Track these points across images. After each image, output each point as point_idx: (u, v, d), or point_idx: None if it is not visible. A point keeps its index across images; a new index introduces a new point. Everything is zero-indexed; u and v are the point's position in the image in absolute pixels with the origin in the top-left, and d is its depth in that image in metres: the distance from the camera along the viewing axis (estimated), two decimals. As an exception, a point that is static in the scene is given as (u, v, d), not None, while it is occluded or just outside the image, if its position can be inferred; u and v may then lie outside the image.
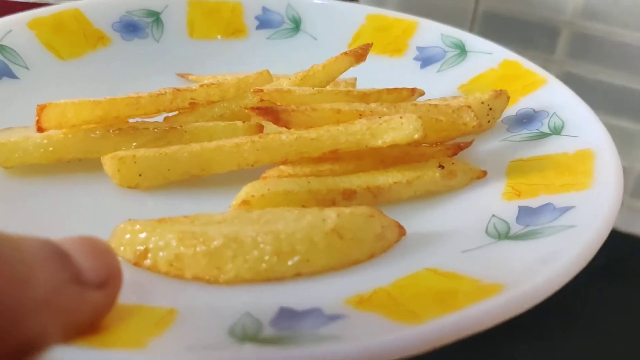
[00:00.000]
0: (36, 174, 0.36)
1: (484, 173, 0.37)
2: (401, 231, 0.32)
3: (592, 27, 0.79)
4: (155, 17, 0.53)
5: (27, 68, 0.45)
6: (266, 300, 0.27)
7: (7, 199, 0.34)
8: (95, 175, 0.35)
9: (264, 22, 0.54)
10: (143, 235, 0.30)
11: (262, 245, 0.28)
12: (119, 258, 0.29)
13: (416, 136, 0.33)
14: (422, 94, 0.42)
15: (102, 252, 0.24)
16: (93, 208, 0.34)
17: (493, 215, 0.33)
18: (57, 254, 0.22)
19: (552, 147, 0.38)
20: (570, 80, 0.82)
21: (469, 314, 0.23)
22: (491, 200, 0.34)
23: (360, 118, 0.36)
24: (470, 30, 0.87)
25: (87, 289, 0.22)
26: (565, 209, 0.31)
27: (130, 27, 0.51)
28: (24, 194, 0.34)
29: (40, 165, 0.35)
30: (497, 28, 0.86)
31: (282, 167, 0.35)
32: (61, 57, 0.47)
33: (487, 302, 0.24)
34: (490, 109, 0.40)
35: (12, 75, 0.44)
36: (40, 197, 0.34)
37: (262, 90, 0.38)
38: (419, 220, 0.34)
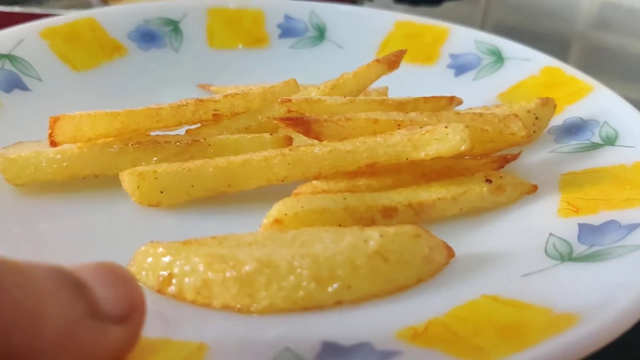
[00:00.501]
0: (49, 192, 0.33)
1: (535, 187, 0.34)
2: (450, 252, 0.29)
3: (605, 38, 0.77)
4: (174, 26, 0.50)
5: (40, 79, 0.42)
6: (306, 333, 0.24)
7: (18, 219, 0.31)
8: (113, 193, 0.33)
9: (287, 30, 0.52)
10: (167, 259, 0.27)
11: (298, 270, 0.26)
12: (142, 284, 0.27)
13: (463, 147, 0.31)
14: (460, 102, 0.40)
15: (123, 280, 0.21)
16: (111, 229, 0.31)
17: (551, 234, 0.30)
18: (71, 283, 0.19)
19: (607, 158, 0.35)
20: None
21: (545, 350, 0.20)
22: (546, 218, 0.31)
23: (399, 128, 0.33)
24: None
25: (107, 324, 0.19)
26: (632, 227, 0.28)
27: (147, 37, 0.49)
28: (36, 215, 0.31)
29: (54, 183, 0.33)
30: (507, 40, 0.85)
31: (315, 182, 0.32)
32: (76, 68, 0.45)
33: (563, 337, 0.21)
34: (537, 118, 0.38)
35: (24, 87, 0.41)
36: (53, 218, 0.32)
37: (290, 100, 0.35)
38: (468, 240, 0.31)
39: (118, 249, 0.29)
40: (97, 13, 0.48)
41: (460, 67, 0.47)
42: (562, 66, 0.43)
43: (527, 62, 0.45)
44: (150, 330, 0.24)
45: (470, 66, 0.47)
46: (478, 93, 0.44)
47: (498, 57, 0.46)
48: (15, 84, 0.41)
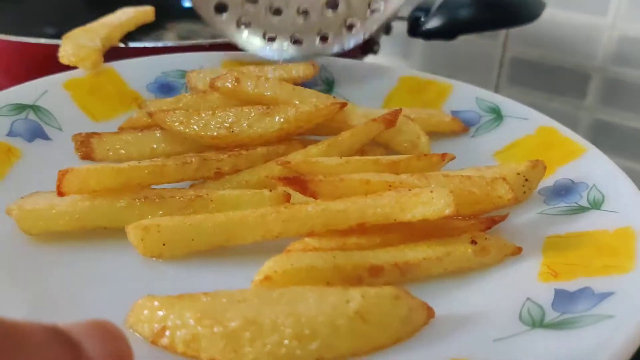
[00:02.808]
0: (61, 241, 0.35)
1: (519, 249, 0.35)
2: (429, 313, 0.30)
3: (625, 72, 0.78)
4: (190, 77, 0.53)
5: (61, 129, 0.45)
6: (284, 389, 0.25)
7: (28, 266, 0.34)
8: (120, 244, 0.35)
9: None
10: (161, 312, 0.29)
11: (282, 328, 0.27)
12: (137, 335, 0.29)
13: (447, 211, 0.32)
14: (452, 158, 0.41)
15: (113, 338, 0.23)
16: (115, 278, 0.34)
17: (528, 299, 0.31)
18: (65, 342, 0.21)
19: (591, 223, 0.36)
20: (601, 128, 0.80)
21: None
22: (526, 281, 0.33)
23: (389, 189, 0.35)
24: (498, 77, 0.86)
25: None
26: (604, 295, 0.29)
27: (165, 88, 0.52)
28: (46, 262, 0.34)
29: (65, 232, 0.35)
30: (525, 74, 0.85)
31: (307, 239, 0.34)
32: (95, 118, 0.48)
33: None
34: (527, 180, 0.39)
35: (45, 137, 0.44)
36: (63, 266, 0.34)
37: (289, 162, 0.37)
38: (449, 301, 0.32)
39: (120, 297, 0.31)
40: (117, 65, 0.51)
41: (460, 124, 0.49)
42: (557, 126, 0.45)
43: (524, 121, 0.46)
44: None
45: (470, 123, 0.48)
46: (475, 150, 0.46)
47: (497, 115, 0.48)
48: (37, 134, 0.44)
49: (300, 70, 0.46)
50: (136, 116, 0.47)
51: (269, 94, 0.44)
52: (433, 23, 0.65)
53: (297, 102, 0.44)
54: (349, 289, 0.29)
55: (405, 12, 0.69)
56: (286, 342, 0.27)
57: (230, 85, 0.44)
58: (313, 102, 0.43)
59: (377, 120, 0.42)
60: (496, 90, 0.86)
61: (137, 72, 0.52)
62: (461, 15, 0.65)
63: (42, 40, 0.53)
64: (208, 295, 0.29)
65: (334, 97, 0.47)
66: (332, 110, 0.42)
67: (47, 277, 0.33)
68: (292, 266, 0.31)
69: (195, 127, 0.40)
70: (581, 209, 0.37)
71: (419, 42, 0.86)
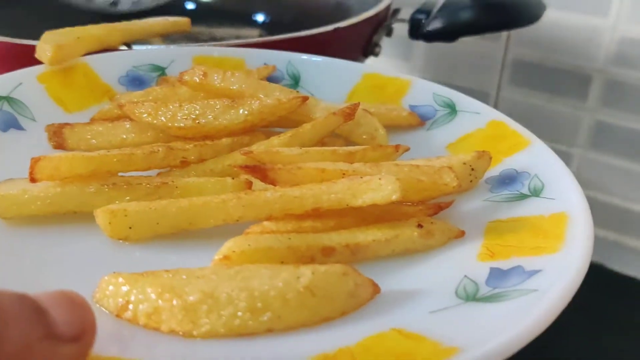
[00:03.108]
0: (33, 224, 0.37)
1: (462, 233, 0.38)
2: (375, 289, 0.33)
3: (626, 74, 0.79)
4: (161, 72, 0.55)
5: (35, 120, 0.47)
6: (238, 356, 0.28)
7: (4, 248, 0.36)
8: (89, 227, 0.37)
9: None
10: (125, 288, 0.31)
11: (236, 302, 0.30)
12: (104, 309, 0.31)
13: (394, 197, 0.35)
14: (406, 150, 0.44)
15: (78, 306, 0.25)
16: (84, 258, 0.36)
17: (465, 276, 0.34)
18: (33, 309, 0.23)
19: (530, 209, 0.39)
20: (603, 129, 0.81)
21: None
22: (466, 261, 0.35)
23: (343, 177, 0.38)
24: (500, 78, 0.87)
25: (60, 343, 0.24)
26: (532, 272, 0.32)
27: (136, 81, 0.54)
28: (19, 244, 0.36)
29: (38, 216, 0.37)
30: (527, 75, 0.86)
31: (265, 223, 0.37)
32: (68, 110, 0.50)
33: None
34: (473, 169, 0.42)
35: (19, 127, 0.46)
36: (36, 247, 0.36)
37: (252, 152, 0.40)
38: (395, 279, 0.35)
39: (89, 275, 0.33)
40: (90, 59, 0.53)
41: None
42: (507, 120, 0.48)
43: (476, 115, 0.49)
44: (107, 349, 0.28)
45: (426, 117, 0.51)
46: (430, 142, 0.49)
47: (452, 110, 0.51)
48: (11, 124, 0.46)
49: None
50: (107, 108, 0.49)
51: (235, 87, 0.47)
52: (434, 25, 0.67)
53: (262, 96, 0.46)
54: (300, 267, 0.32)
55: (407, 14, 0.71)
56: (240, 314, 0.30)
57: (197, 80, 0.47)
58: (276, 95, 0.45)
59: (337, 114, 0.44)
60: (498, 91, 0.87)
61: (110, 65, 0.54)
62: (462, 18, 0.67)
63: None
64: (169, 272, 0.32)
65: (298, 92, 0.49)
66: (295, 103, 0.45)
67: (20, 257, 0.35)
68: (250, 246, 0.34)
69: (162, 118, 0.42)
70: (522, 197, 0.40)
71: (421, 44, 0.86)
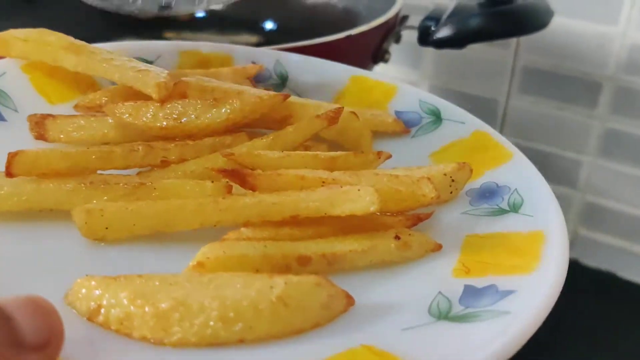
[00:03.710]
0: (7, 221, 0.37)
1: (439, 246, 0.38)
2: (349, 301, 0.33)
3: (636, 81, 0.79)
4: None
5: (17, 111, 0.47)
6: (206, 366, 0.28)
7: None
8: (65, 226, 0.37)
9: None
10: (97, 292, 0.31)
11: (208, 311, 0.30)
12: (75, 312, 0.31)
13: (372, 209, 0.35)
14: (388, 157, 0.44)
15: (45, 313, 0.25)
16: (58, 258, 0.36)
17: (439, 293, 0.34)
18: None
19: (508, 225, 0.39)
20: (613, 137, 0.82)
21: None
22: (441, 276, 0.35)
23: (322, 185, 0.37)
24: (509, 86, 0.86)
25: (25, 351, 0.23)
26: (506, 293, 0.32)
27: (122, 74, 0.53)
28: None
29: (13, 212, 0.37)
30: (536, 83, 0.86)
31: (242, 229, 0.36)
32: (51, 101, 0.49)
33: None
34: (453, 180, 0.42)
35: (1, 118, 0.46)
36: (9, 244, 0.36)
37: (232, 154, 0.39)
38: (371, 291, 0.35)
39: (63, 276, 0.33)
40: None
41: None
42: (490, 132, 0.48)
43: (461, 125, 0.49)
44: (77, 354, 0.28)
45: (412, 124, 0.51)
46: (413, 150, 0.49)
47: (437, 118, 0.51)
48: (-7, 114, 0.46)
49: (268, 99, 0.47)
50: (91, 97, 0.48)
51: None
52: (443, 32, 0.67)
53: (244, 92, 0.45)
54: (274, 276, 0.32)
55: (416, 21, 0.71)
56: (212, 323, 0.29)
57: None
58: (257, 94, 0.45)
59: (321, 117, 0.44)
60: (507, 99, 0.87)
61: (95, 57, 0.53)
62: (471, 25, 0.67)
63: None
64: (142, 277, 0.32)
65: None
66: (276, 101, 0.44)
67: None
68: (224, 253, 0.34)
69: (143, 118, 0.41)
70: (501, 211, 0.40)
71: (429, 51, 0.86)
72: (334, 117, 0.45)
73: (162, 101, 0.42)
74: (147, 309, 0.30)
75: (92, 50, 0.46)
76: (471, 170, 0.42)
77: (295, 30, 0.80)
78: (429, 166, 0.43)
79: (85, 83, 0.51)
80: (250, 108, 0.43)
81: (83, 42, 0.48)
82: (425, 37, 0.68)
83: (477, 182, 0.43)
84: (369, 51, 0.71)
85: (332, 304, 0.32)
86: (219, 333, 0.30)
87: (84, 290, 0.31)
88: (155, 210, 0.36)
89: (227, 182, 0.40)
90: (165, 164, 0.41)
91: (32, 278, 0.34)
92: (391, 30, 0.72)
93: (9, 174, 0.37)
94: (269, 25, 0.87)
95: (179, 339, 0.29)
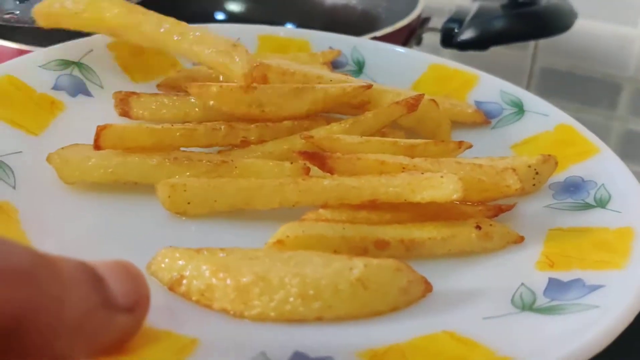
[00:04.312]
0: (94, 191, 0.38)
1: (521, 238, 0.37)
2: (427, 287, 0.32)
3: None
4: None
5: (102, 87, 0.48)
6: (283, 342, 0.28)
7: (66, 213, 0.37)
8: (149, 199, 0.38)
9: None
10: (181, 262, 0.31)
11: (288, 287, 0.30)
12: (157, 281, 0.32)
13: (455, 196, 0.34)
14: (469, 147, 0.43)
15: (134, 278, 0.26)
16: (141, 229, 0.36)
17: (522, 284, 0.33)
18: (91, 277, 0.24)
19: (594, 220, 0.37)
20: (633, 138, 0.80)
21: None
22: (524, 268, 0.34)
23: (403, 171, 0.37)
24: (527, 87, 0.86)
25: (116, 312, 0.24)
26: (594, 287, 0.31)
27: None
28: (79, 211, 0.37)
29: (99, 184, 0.38)
30: (555, 84, 0.85)
31: (321, 210, 0.36)
32: (135, 79, 0.50)
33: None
34: (537, 173, 0.40)
35: (87, 93, 0.47)
36: (95, 215, 0.37)
37: (312, 137, 0.39)
38: (449, 279, 0.34)
39: (145, 246, 0.34)
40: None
41: (482, 114, 0.50)
42: (576, 125, 0.46)
43: (544, 117, 0.48)
44: (158, 321, 0.29)
45: (492, 115, 0.50)
46: (494, 141, 0.47)
47: (519, 109, 0.49)
48: (80, 90, 0.47)
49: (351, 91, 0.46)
50: (175, 76, 0.49)
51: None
52: (467, 34, 0.67)
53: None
54: (353, 258, 0.32)
55: (438, 23, 0.71)
56: (291, 299, 0.30)
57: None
58: (339, 83, 0.45)
59: (400, 104, 0.44)
60: None
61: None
62: (495, 27, 0.67)
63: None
64: (224, 250, 0.32)
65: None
66: (359, 91, 0.44)
67: (79, 224, 0.36)
68: (304, 233, 0.34)
69: (228, 104, 0.42)
70: (587, 206, 0.39)
71: (447, 53, 0.86)
72: (413, 104, 0.44)
73: (246, 87, 0.42)
74: (228, 281, 0.30)
75: (182, 29, 0.46)
76: (556, 163, 0.41)
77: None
78: (512, 157, 0.42)
79: (168, 63, 0.52)
80: (333, 100, 0.43)
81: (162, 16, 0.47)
82: (448, 39, 0.68)
83: (561, 176, 0.42)
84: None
85: (411, 289, 0.32)
86: (297, 309, 0.30)
87: (167, 260, 0.32)
88: (237, 187, 0.37)
89: (305, 164, 0.40)
90: (245, 144, 0.41)
91: (116, 247, 0.35)
92: (413, 32, 0.71)
93: (97, 146, 0.38)
94: (288, 27, 0.87)
95: (258, 313, 0.30)
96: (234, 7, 0.88)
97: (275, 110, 0.42)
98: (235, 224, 0.37)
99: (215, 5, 0.89)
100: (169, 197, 0.37)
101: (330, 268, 0.31)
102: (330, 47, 0.56)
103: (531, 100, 0.50)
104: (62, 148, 0.39)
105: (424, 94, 0.44)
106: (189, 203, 0.37)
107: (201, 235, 0.36)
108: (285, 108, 0.42)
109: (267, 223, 0.37)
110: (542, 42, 0.83)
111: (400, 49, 0.57)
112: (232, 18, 0.88)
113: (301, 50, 0.56)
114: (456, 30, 0.67)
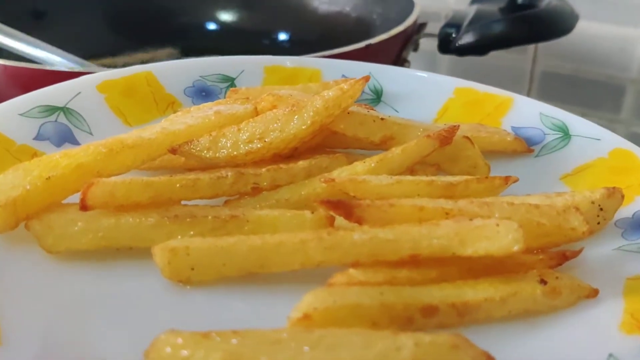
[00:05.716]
0: (83, 260, 0.32)
1: (596, 292, 0.31)
2: (492, 365, 0.26)
3: None
4: (230, 82, 0.50)
5: (91, 134, 0.43)
6: None
7: (49, 287, 0.31)
8: (146, 265, 0.32)
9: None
10: (185, 352, 0.25)
11: (322, 380, 0.24)
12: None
13: (515, 248, 0.28)
14: (515, 180, 0.37)
15: None
16: (137, 303, 0.31)
17: (610, 355, 0.26)
18: None
19: (682, 264, 0.31)
20: (638, 141, 0.76)
21: None
22: (606, 331, 0.28)
23: (446, 217, 0.31)
24: (529, 91, 0.84)
25: None
26: None
27: (202, 93, 0.49)
28: (66, 285, 0.31)
29: (87, 252, 0.32)
30: (557, 88, 0.83)
31: (352, 271, 0.30)
32: (128, 122, 0.45)
33: None
34: (602, 209, 0.34)
35: (75, 142, 0.42)
36: (84, 289, 0.31)
37: (333, 179, 0.34)
38: (514, 350, 0.28)
39: (142, 325, 0.29)
40: (155, 67, 0.48)
41: (522, 142, 0.44)
42: (634, 149, 0.40)
43: (596, 142, 0.42)
44: None
45: (533, 141, 0.44)
46: (540, 172, 0.42)
47: (565, 134, 0.43)
48: (66, 138, 0.42)
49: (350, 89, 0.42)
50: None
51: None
52: (466, 39, 0.63)
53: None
54: (399, 334, 0.25)
55: (435, 28, 0.67)
56: (327, 397, 0.23)
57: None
58: (337, 85, 0.39)
59: (431, 137, 0.38)
60: None
61: (175, 75, 0.49)
62: (494, 31, 0.63)
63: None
64: (238, 334, 0.26)
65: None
66: (358, 88, 0.38)
67: (66, 300, 0.31)
68: (335, 303, 0.28)
69: (223, 151, 0.36)
70: (667, 247, 0.33)
71: (446, 58, 0.85)
72: (447, 137, 0.38)
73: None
74: (245, 376, 0.24)
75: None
76: (622, 197, 0.35)
77: (309, 41, 0.80)
78: (570, 192, 0.36)
79: (165, 102, 0.47)
80: (334, 103, 0.37)
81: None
82: (446, 45, 0.65)
83: (628, 211, 0.36)
84: (389, 60, 0.66)
85: (472, 369, 0.25)
86: (336, 409, 0.23)
87: (168, 349, 0.26)
88: (249, 247, 0.31)
89: (329, 213, 0.34)
90: (256, 191, 0.35)
91: (108, 327, 0.29)
92: (410, 39, 0.68)
93: (84, 206, 0.32)
94: (282, 36, 0.86)
95: (285, 418, 0.23)
96: (226, 17, 0.86)
97: (278, 136, 0.37)
98: (248, 292, 0.32)
99: (207, 15, 0.86)
100: (169, 263, 0.31)
101: (373, 350, 0.25)
102: (344, 75, 0.51)
103: (577, 122, 0.44)
104: (43, 211, 0.33)
105: (458, 125, 0.39)
106: (192, 269, 0.31)
107: (208, 309, 0.31)
108: (287, 131, 0.37)
109: (286, 289, 0.31)
110: (543, 45, 0.81)
111: (420, 73, 0.51)
112: (225, 27, 0.86)
113: (312, 80, 0.51)
114: (454, 35, 0.64)
